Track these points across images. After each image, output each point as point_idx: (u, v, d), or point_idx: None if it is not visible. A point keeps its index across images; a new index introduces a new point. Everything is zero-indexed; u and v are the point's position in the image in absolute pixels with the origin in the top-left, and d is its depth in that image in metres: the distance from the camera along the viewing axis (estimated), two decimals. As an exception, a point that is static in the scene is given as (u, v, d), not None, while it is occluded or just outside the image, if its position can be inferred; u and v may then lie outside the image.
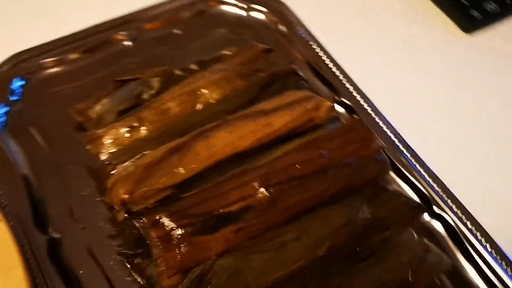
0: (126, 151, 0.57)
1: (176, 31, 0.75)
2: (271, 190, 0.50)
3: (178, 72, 0.66)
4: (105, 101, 0.66)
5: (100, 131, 0.59)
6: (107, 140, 0.59)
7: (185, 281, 0.49)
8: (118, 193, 0.51)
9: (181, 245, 0.48)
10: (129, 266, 0.53)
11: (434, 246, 0.53)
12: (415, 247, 0.52)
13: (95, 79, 0.71)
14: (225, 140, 0.54)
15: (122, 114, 0.63)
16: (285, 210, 0.50)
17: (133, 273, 0.53)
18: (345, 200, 0.52)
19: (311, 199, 0.51)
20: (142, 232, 0.50)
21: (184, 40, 0.75)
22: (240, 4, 0.77)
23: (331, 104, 0.58)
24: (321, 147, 0.53)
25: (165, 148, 0.54)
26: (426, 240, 0.53)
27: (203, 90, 0.62)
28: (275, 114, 0.56)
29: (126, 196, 0.50)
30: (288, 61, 0.68)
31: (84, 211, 0.58)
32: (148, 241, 0.50)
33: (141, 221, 0.49)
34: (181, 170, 0.52)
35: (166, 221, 0.48)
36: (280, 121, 0.55)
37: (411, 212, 0.54)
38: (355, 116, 0.61)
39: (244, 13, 0.77)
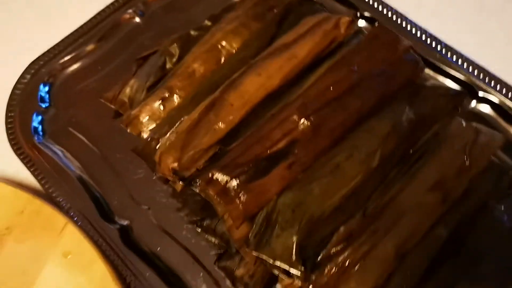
0: (164, 123, 0.58)
1: (179, -7, 0.74)
2: (312, 118, 0.50)
3: (193, 32, 0.65)
4: (132, 82, 0.67)
5: (134, 111, 0.60)
6: (144, 118, 0.60)
7: (253, 227, 0.49)
8: (166, 164, 0.52)
9: (240, 195, 0.49)
10: (200, 230, 0.54)
11: (484, 126, 0.52)
12: (465, 133, 0.51)
13: (117, 64, 0.73)
14: (255, 84, 0.53)
15: (151, 89, 0.64)
16: (330, 134, 0.50)
17: (207, 236, 0.55)
18: (385, 108, 0.51)
19: (352, 116, 0.51)
20: (202, 195, 0.51)
21: (191, 0, 0.74)
22: None
23: (350, 18, 0.56)
24: (350, 63, 0.53)
25: (200, 108, 0.54)
26: (475, 124, 0.52)
27: (222, 43, 0.61)
28: (297, 45, 0.55)
29: (175, 164, 0.51)
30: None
31: (144, 192, 0.61)
32: (210, 202, 0.51)
33: (197, 184, 0.50)
34: (221, 125, 0.53)
35: (219, 176, 0.49)
36: (303, 50, 0.55)
37: (453, 100, 0.53)
38: (376, 24, 0.59)
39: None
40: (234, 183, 0.48)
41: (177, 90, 0.60)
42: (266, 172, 0.49)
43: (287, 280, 0.47)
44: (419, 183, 0.49)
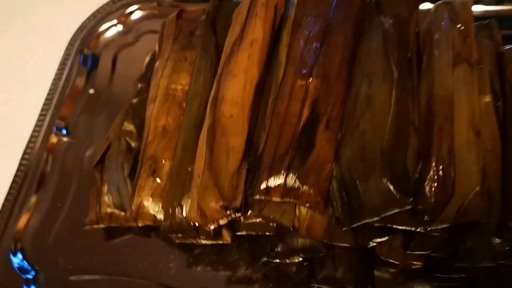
0: (174, 188, 0.52)
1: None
2: (314, 73, 0.48)
3: (135, 100, 0.61)
4: (105, 189, 0.60)
5: (134, 204, 0.54)
6: (148, 201, 0.54)
7: (334, 205, 0.45)
8: (211, 209, 0.46)
9: (303, 180, 0.44)
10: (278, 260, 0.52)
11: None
12: (439, 14, 0.53)
13: (74, 190, 0.66)
14: (238, 85, 0.50)
15: (132, 175, 0.57)
16: (338, 76, 0.49)
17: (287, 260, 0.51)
18: (365, 30, 0.52)
19: (345, 52, 0.50)
20: (265, 214, 0.46)
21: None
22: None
23: None
24: (307, 14, 0.52)
25: (202, 142, 0.49)
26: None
27: (172, 87, 0.58)
28: (248, 31, 0.53)
29: (220, 202, 0.45)
30: None
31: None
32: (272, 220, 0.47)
33: (257, 199, 0.44)
34: (234, 140, 0.48)
35: (272, 179, 0.44)
36: (259, 31, 0.52)
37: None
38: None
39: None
40: (291, 174, 0.44)
41: (160, 154, 0.54)
42: (311, 144, 0.44)
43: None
44: (440, 69, 0.47)
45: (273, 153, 0.44)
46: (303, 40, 0.49)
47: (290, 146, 0.44)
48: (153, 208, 0.53)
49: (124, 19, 0.79)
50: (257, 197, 0.44)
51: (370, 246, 0.48)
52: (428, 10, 0.53)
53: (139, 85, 0.62)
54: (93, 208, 0.59)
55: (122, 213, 0.57)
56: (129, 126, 0.59)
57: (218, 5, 0.59)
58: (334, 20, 0.50)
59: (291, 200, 0.44)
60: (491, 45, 0.52)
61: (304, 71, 0.47)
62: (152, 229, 0.59)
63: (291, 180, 0.43)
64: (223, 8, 0.59)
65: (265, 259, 0.54)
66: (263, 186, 0.44)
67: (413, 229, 0.45)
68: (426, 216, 0.43)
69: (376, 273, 0.53)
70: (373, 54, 0.48)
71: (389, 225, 0.46)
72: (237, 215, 0.46)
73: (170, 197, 0.51)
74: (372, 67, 0.47)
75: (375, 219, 0.42)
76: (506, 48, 0.51)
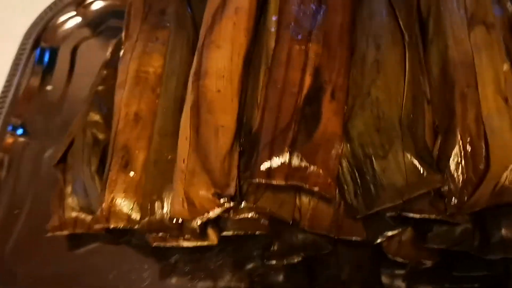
0: (153, 181, 0.45)
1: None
2: (314, 38, 0.42)
3: (100, 87, 0.54)
4: (68, 190, 0.52)
5: (104, 202, 0.45)
6: (121, 198, 0.45)
7: (345, 188, 0.38)
8: (201, 197, 0.39)
9: (309, 160, 0.37)
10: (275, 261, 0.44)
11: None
12: None
13: (32, 194, 0.57)
14: (224, 57, 0.44)
15: (101, 170, 0.49)
16: (340, 42, 0.43)
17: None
18: None
19: (345, 16, 0.44)
20: (266, 212, 0.40)
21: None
22: None
23: None
24: None
25: (186, 120, 0.41)
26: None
27: (142, 70, 0.50)
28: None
29: (212, 189, 0.37)
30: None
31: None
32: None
33: (255, 182, 0.37)
34: (224, 117, 0.41)
35: (272, 161, 0.37)
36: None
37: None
38: None
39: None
40: (296, 151, 0.36)
41: (133, 143, 0.46)
42: (316, 116, 0.38)
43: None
44: (454, 32, 0.41)
45: (273, 127, 0.37)
46: (297, 2, 0.42)
47: (293, 118, 0.37)
48: (127, 205, 0.45)
49: (83, 10, 0.71)
50: (257, 180, 0.36)
51: (378, 242, 0.41)
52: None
53: (104, 72, 0.54)
54: (55, 212, 0.51)
55: (89, 217, 0.49)
56: (95, 116, 0.51)
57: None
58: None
59: (297, 183, 0.35)
60: (499, 10, 0.46)
61: (302, 36, 0.41)
62: (123, 234, 0.51)
63: (297, 158, 0.36)
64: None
65: (251, 265, 0.47)
66: (263, 166, 0.36)
67: (434, 217, 0.38)
68: (454, 200, 0.36)
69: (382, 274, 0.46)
70: (377, 15, 0.42)
71: (405, 213, 0.38)
72: (231, 204, 0.37)
73: (148, 191, 0.44)
74: (379, 30, 0.41)
75: (398, 202, 0.35)
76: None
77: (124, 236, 0.51)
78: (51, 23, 0.71)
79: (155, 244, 0.47)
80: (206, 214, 0.39)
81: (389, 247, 0.43)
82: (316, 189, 0.37)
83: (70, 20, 0.71)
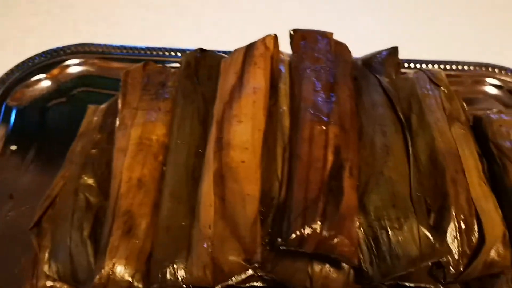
0: (165, 245, 0.45)
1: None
2: (332, 120, 0.46)
3: (94, 151, 0.53)
4: (45, 256, 0.49)
5: (102, 270, 0.44)
6: (121, 266, 0.45)
7: (361, 257, 0.42)
8: (231, 263, 0.40)
9: (337, 231, 0.40)
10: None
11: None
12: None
13: None
14: (246, 131, 0.47)
15: (94, 237, 0.48)
16: (352, 126, 0.48)
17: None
18: (363, 87, 0.53)
19: (352, 102, 0.50)
20: (280, 280, 0.42)
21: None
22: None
23: (273, 35, 0.54)
24: (306, 66, 0.51)
25: (208, 188, 0.43)
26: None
27: (146, 137, 0.51)
28: (248, 80, 0.50)
29: (241, 255, 0.39)
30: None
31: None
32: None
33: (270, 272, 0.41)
34: (249, 186, 0.43)
35: (304, 230, 0.40)
36: (259, 80, 0.50)
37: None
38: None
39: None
40: (326, 222, 0.40)
41: (137, 209, 0.47)
42: (340, 190, 0.42)
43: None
44: (438, 127, 0.49)
45: (304, 199, 0.40)
46: (312, 89, 0.48)
47: (321, 191, 0.41)
48: (129, 272, 0.44)
49: (55, 73, 0.71)
50: (289, 248, 0.38)
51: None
52: (406, 76, 0.55)
53: (98, 136, 0.54)
54: (27, 281, 0.48)
55: (66, 287, 0.47)
56: (89, 180, 0.50)
57: (200, 57, 0.55)
58: (336, 73, 0.50)
59: (326, 252, 0.39)
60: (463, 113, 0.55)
61: (321, 118, 0.45)
62: None
63: (327, 228, 0.39)
64: (206, 59, 0.56)
65: None
66: (296, 234, 0.39)
67: (431, 287, 0.43)
68: (452, 269, 0.41)
69: None
70: (379, 106, 0.48)
71: (403, 283, 0.43)
72: (259, 269, 0.39)
73: (159, 257, 0.43)
74: (383, 119, 0.47)
75: (411, 270, 0.39)
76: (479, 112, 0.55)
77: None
78: (19, 83, 0.69)
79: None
80: (231, 280, 0.40)
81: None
82: (342, 258, 0.40)
83: (41, 82, 0.70)
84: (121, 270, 0.44)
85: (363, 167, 0.45)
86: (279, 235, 0.40)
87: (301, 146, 0.44)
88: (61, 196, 0.51)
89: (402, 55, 0.57)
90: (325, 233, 0.39)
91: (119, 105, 0.55)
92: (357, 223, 0.42)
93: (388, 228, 0.41)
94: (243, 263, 0.39)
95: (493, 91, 0.71)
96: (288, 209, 0.41)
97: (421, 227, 0.41)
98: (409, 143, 0.46)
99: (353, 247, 0.40)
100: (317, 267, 0.43)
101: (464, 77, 0.71)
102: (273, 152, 0.46)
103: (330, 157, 0.43)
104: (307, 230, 0.39)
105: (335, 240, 0.39)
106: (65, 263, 0.47)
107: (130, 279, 0.44)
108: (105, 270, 0.44)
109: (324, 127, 0.45)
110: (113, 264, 0.44)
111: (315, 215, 0.40)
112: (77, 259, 0.47)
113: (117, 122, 0.54)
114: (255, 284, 0.45)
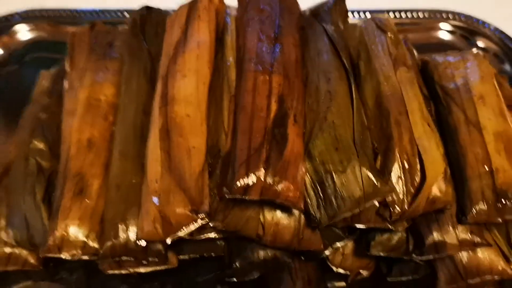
0: (114, 206, 0.45)
1: None
2: (276, 69, 0.47)
3: (43, 115, 0.52)
4: (2, 229, 0.48)
5: (56, 231, 0.44)
6: (74, 226, 0.45)
7: (308, 202, 0.43)
8: (178, 215, 0.41)
9: (281, 176, 0.41)
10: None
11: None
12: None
13: None
14: (190, 84, 0.47)
15: (47, 201, 0.48)
16: (297, 73, 0.48)
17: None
18: (309, 36, 0.53)
19: (297, 51, 0.50)
20: (233, 230, 0.43)
21: None
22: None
23: None
24: (252, 16, 0.51)
25: (154, 143, 0.43)
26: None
27: (94, 97, 0.51)
28: (193, 34, 0.50)
29: (188, 206, 0.40)
30: None
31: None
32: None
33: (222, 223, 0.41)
34: (194, 139, 0.44)
35: (248, 177, 0.41)
36: (204, 34, 0.51)
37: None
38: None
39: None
40: (270, 169, 0.41)
41: (87, 169, 0.47)
42: (284, 137, 0.42)
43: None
44: (383, 72, 0.50)
45: (247, 148, 0.41)
46: (256, 39, 0.48)
47: (265, 139, 0.41)
48: (83, 232, 0.45)
49: (6, 40, 0.69)
50: (234, 196, 0.39)
51: (326, 254, 0.46)
52: (354, 24, 0.56)
53: (46, 100, 0.53)
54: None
55: (25, 252, 0.47)
56: (39, 144, 0.50)
57: (146, 14, 0.55)
58: (281, 24, 0.50)
59: (270, 198, 0.40)
60: (410, 56, 0.56)
61: (265, 68, 0.45)
62: (58, 271, 0.50)
63: (270, 174, 0.40)
64: (152, 17, 0.55)
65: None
66: (241, 183, 0.39)
67: (379, 226, 0.44)
68: (397, 208, 0.42)
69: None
70: (324, 54, 0.49)
71: (354, 224, 0.44)
72: (207, 220, 0.40)
73: (110, 215, 0.44)
74: (327, 66, 0.47)
75: (356, 211, 0.40)
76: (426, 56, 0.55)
77: (59, 272, 0.50)
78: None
79: (109, 271, 0.46)
80: (180, 232, 0.41)
81: (334, 259, 0.48)
82: (287, 203, 0.40)
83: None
84: (74, 231, 0.45)
85: (309, 114, 0.45)
86: (225, 185, 0.40)
87: (245, 97, 0.44)
88: (14, 163, 0.51)
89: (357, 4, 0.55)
90: (269, 179, 0.40)
91: (67, 68, 0.55)
92: (304, 169, 0.42)
93: (333, 171, 0.42)
94: (190, 214, 0.40)
95: (447, 37, 0.71)
96: (233, 159, 0.41)
97: (363, 168, 0.42)
98: (353, 88, 0.46)
99: (298, 191, 0.40)
100: (268, 215, 0.44)
101: (418, 25, 0.71)
102: (220, 105, 0.46)
103: (274, 106, 0.43)
104: (251, 178, 0.40)
105: (280, 186, 0.40)
106: (21, 228, 0.47)
107: (85, 239, 0.44)
108: (58, 232, 0.44)
109: (267, 77, 0.45)
110: (66, 226, 0.45)
111: (258, 162, 0.40)
112: (32, 223, 0.48)
113: (65, 85, 0.53)
114: (210, 235, 0.46)
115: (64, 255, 0.44)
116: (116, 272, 0.46)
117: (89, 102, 0.51)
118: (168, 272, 0.46)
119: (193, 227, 0.41)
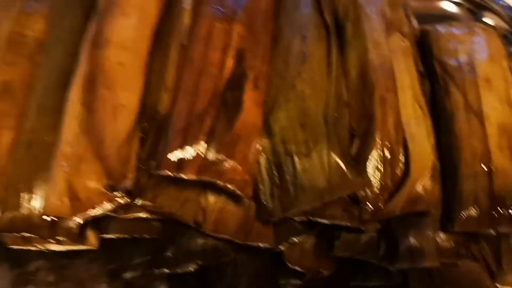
0: (21, 167, 0.36)
1: None
2: (237, 18, 0.37)
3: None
4: None
5: None
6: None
7: (260, 188, 0.33)
8: (90, 190, 0.32)
9: (227, 153, 0.32)
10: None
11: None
12: None
13: None
14: (130, 26, 0.37)
15: None
16: (264, 28, 0.39)
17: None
18: None
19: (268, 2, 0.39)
20: (165, 213, 0.35)
21: None
22: None
23: None
24: None
25: (76, 94, 0.34)
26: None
27: (19, 32, 0.41)
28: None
29: (104, 180, 0.31)
30: None
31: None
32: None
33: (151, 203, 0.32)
34: (124, 95, 0.34)
35: (184, 150, 0.32)
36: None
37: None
38: None
39: None
40: (213, 142, 0.31)
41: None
42: (238, 103, 0.33)
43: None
44: (373, 36, 0.40)
45: (188, 112, 0.32)
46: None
47: (212, 103, 0.32)
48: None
49: None
50: (163, 172, 0.30)
51: (281, 249, 0.38)
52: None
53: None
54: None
55: None
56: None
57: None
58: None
59: (210, 179, 0.31)
60: (408, 23, 0.47)
61: (226, 14, 0.36)
62: None
63: (213, 149, 0.31)
64: None
65: (130, 275, 0.40)
66: (173, 157, 0.31)
67: (345, 224, 0.36)
68: (369, 206, 0.34)
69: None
70: (303, 7, 0.39)
71: (315, 219, 0.36)
72: (126, 200, 0.31)
73: (14, 179, 0.34)
74: (305, 22, 0.38)
75: (317, 205, 0.32)
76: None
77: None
78: None
79: (14, 246, 0.37)
80: (91, 211, 0.32)
81: (291, 255, 0.40)
82: (231, 186, 0.32)
83: None
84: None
85: (274, 78, 0.36)
86: (154, 157, 0.31)
87: (195, 46, 0.35)
88: None
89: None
90: (210, 155, 0.31)
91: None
92: (258, 147, 0.33)
93: (294, 153, 0.33)
94: (104, 190, 0.31)
95: (451, 8, 0.62)
96: (168, 125, 0.32)
97: (333, 153, 0.33)
98: (334, 53, 0.36)
99: (246, 174, 0.32)
100: (211, 198, 0.36)
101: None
102: (165, 56, 0.37)
103: (230, 63, 0.34)
104: (187, 151, 0.31)
105: (224, 165, 0.31)
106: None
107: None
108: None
109: (226, 26, 0.35)
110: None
111: (198, 132, 0.31)
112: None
113: (-12, 14, 0.43)
114: (140, 215, 0.37)
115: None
116: (21, 247, 0.37)
117: (12, 38, 0.41)
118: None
119: (109, 206, 0.31)
